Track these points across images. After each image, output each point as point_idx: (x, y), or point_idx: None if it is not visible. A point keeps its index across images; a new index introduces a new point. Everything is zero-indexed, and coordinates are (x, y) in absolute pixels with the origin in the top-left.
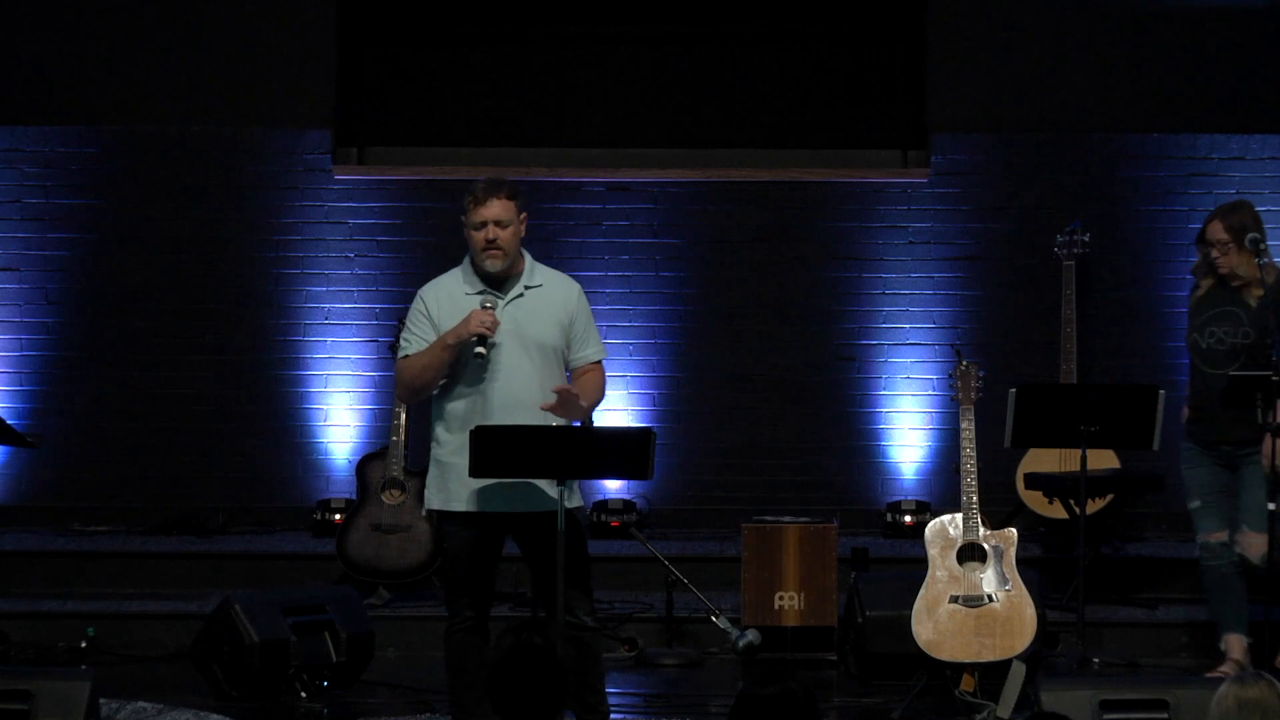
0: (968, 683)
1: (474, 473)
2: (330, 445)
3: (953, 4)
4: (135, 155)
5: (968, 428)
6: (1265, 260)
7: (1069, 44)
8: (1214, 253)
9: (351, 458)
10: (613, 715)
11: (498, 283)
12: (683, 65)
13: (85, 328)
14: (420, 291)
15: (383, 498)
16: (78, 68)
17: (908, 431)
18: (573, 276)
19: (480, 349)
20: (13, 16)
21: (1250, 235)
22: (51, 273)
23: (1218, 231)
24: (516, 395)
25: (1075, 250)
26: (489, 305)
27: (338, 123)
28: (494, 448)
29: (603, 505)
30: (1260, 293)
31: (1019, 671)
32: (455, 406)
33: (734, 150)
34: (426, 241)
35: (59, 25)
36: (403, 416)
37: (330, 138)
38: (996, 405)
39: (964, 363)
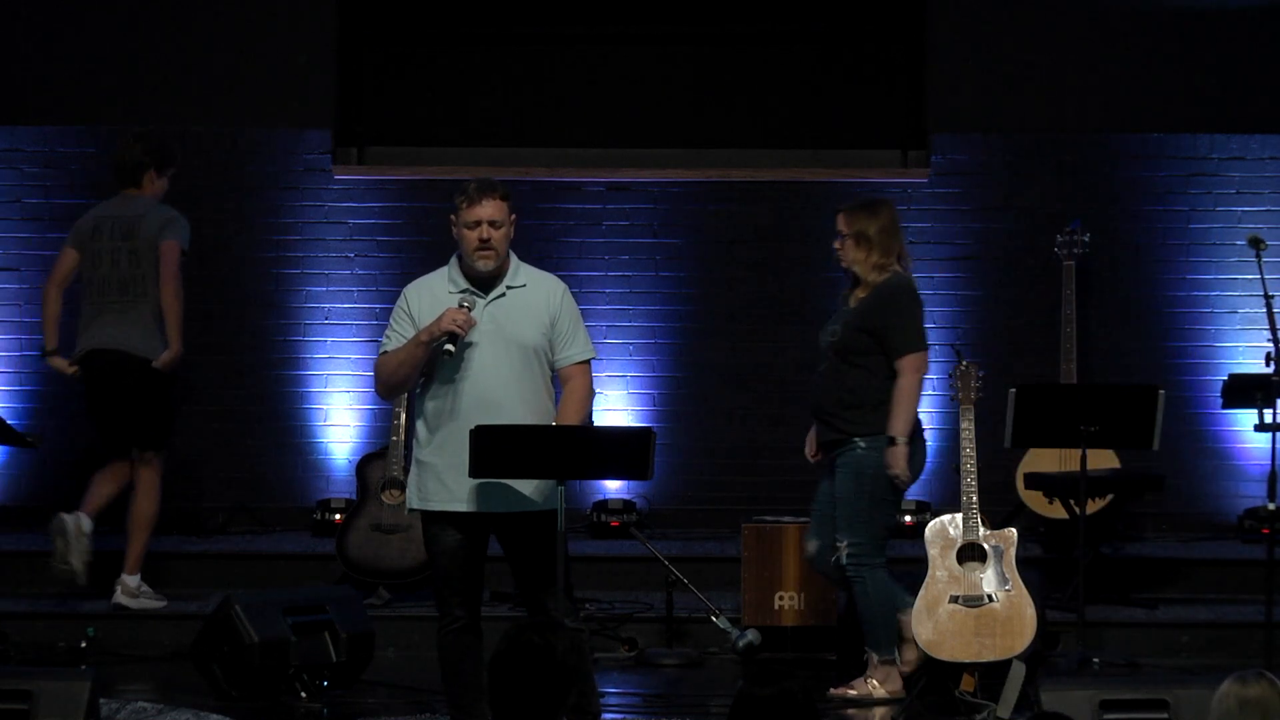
0: (968, 683)
1: (474, 473)
2: (330, 445)
3: (953, 4)
4: None
5: (968, 428)
6: (891, 264)
7: (1069, 44)
8: (835, 244)
9: (351, 458)
10: (614, 715)
11: (482, 283)
12: (682, 65)
13: None
14: (405, 289)
15: (383, 498)
16: (78, 68)
17: None
18: (573, 276)
19: (449, 347)
20: (13, 16)
21: (1251, 237)
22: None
23: (839, 224)
24: (492, 395)
25: (1075, 250)
26: (466, 304)
27: (338, 123)
28: (494, 447)
29: (603, 505)
30: (863, 294)
31: (1019, 671)
32: (432, 405)
33: (734, 150)
34: (426, 241)
35: (58, 25)
36: (403, 416)
37: (330, 138)
38: (996, 405)
39: (964, 363)
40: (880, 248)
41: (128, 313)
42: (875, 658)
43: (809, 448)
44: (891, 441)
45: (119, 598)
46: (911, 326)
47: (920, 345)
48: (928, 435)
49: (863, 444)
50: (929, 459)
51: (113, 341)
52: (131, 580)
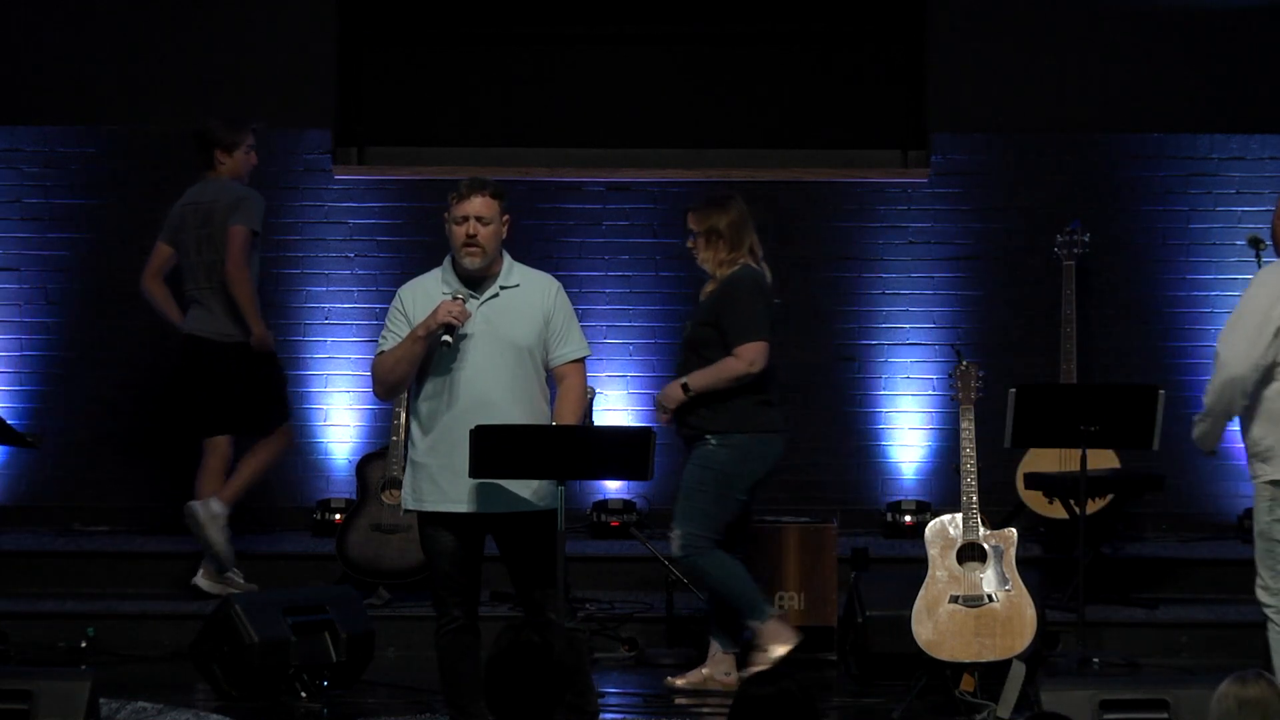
0: (968, 683)
1: (474, 473)
2: (330, 445)
3: (953, 4)
4: (135, 155)
5: (968, 428)
6: (740, 257)
7: (1069, 44)
8: (688, 243)
9: (351, 458)
10: (614, 715)
11: (475, 282)
12: (682, 65)
13: (86, 328)
14: (399, 290)
15: (383, 498)
16: (78, 68)
17: (908, 431)
18: (573, 276)
19: (447, 338)
20: (13, 16)
21: (1251, 237)
22: (51, 273)
23: (689, 222)
24: (486, 395)
25: (1075, 250)
26: (459, 296)
27: (338, 123)
28: (494, 448)
29: (603, 505)
30: (712, 287)
31: (1019, 671)
32: (427, 406)
33: (734, 150)
34: (426, 241)
35: (58, 25)
36: (403, 416)
37: (330, 138)
38: (996, 405)
39: (964, 363)
40: (730, 242)
41: (212, 299)
42: (758, 625)
43: None
44: (684, 388)
45: (202, 515)
46: (749, 316)
47: (756, 335)
48: (927, 435)
49: (714, 440)
50: (929, 459)
51: (202, 329)
52: (217, 506)
